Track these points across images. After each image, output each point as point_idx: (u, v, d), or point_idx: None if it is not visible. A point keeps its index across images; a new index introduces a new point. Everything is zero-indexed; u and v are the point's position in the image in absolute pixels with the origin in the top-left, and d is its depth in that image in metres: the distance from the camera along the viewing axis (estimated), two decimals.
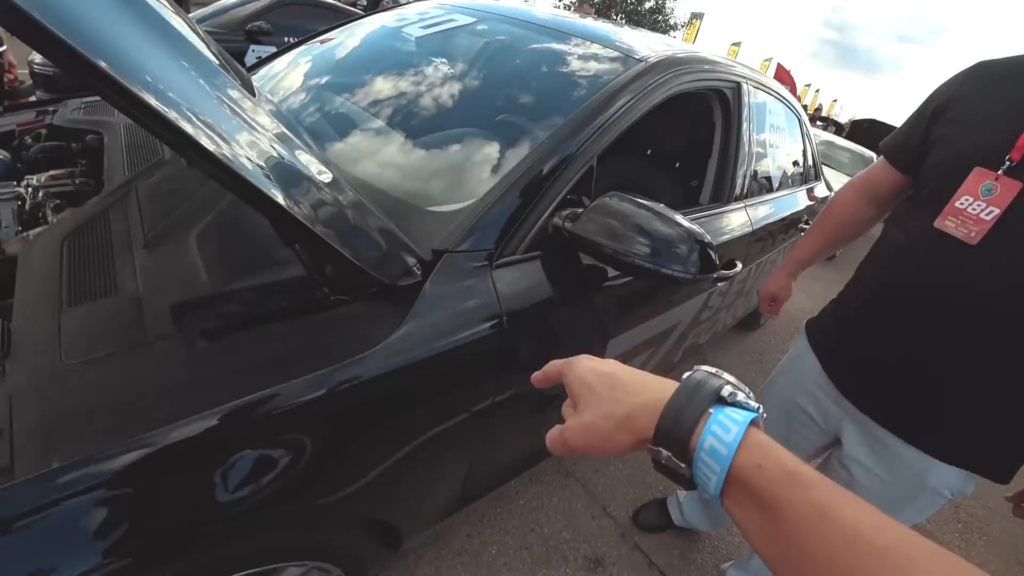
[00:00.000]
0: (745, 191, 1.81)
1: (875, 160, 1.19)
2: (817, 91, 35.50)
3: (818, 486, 0.33)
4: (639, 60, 1.31)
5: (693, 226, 1.01)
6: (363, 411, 0.76)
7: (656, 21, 22.77)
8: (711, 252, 1.01)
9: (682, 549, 1.80)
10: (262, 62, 1.81)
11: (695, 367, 0.42)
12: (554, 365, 0.49)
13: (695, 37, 22.15)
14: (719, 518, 1.68)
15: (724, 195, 1.69)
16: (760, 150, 1.93)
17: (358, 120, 1.32)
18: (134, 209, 1.01)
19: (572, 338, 1.15)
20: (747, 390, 0.40)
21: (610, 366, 0.45)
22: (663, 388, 0.41)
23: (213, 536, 0.67)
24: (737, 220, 1.73)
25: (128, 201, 1.04)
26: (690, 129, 2.11)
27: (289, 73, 1.64)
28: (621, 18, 22.26)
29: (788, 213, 2.23)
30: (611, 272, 1.17)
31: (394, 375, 0.76)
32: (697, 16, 22.74)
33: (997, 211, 0.87)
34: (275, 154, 0.72)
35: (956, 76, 1.04)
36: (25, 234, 1.04)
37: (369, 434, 0.79)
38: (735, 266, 1.66)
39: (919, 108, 1.07)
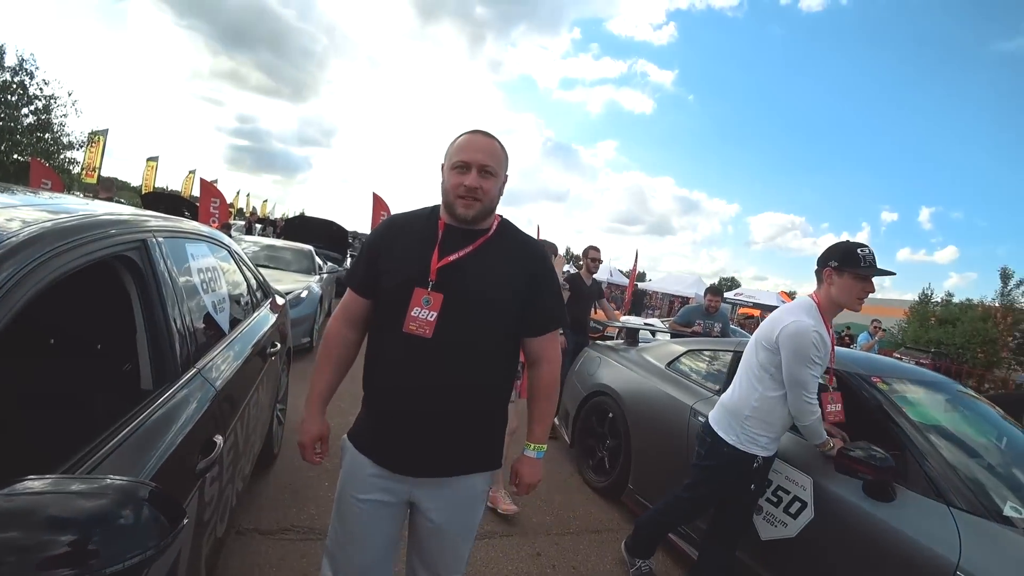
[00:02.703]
0: (195, 352, 1.58)
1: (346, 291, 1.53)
2: (248, 195, 38.26)
3: None
4: None
5: (121, 480, 0.74)
6: None
7: (41, 141, 17.99)
8: (164, 501, 0.75)
9: None
10: None
11: None
12: None
13: (100, 156, 19.74)
14: None
15: (171, 370, 1.41)
16: (195, 301, 1.73)
17: None
18: None
19: None
20: None
21: None
22: None
23: None
24: (196, 392, 1.48)
25: None
26: (100, 309, 1.66)
27: None
28: None
29: (250, 349, 2.20)
30: None
31: None
32: (99, 133, 20.26)
33: (435, 313, 1.32)
34: None
35: (380, 227, 1.51)
36: None
37: None
38: (214, 446, 1.42)
39: (364, 253, 1.49)
